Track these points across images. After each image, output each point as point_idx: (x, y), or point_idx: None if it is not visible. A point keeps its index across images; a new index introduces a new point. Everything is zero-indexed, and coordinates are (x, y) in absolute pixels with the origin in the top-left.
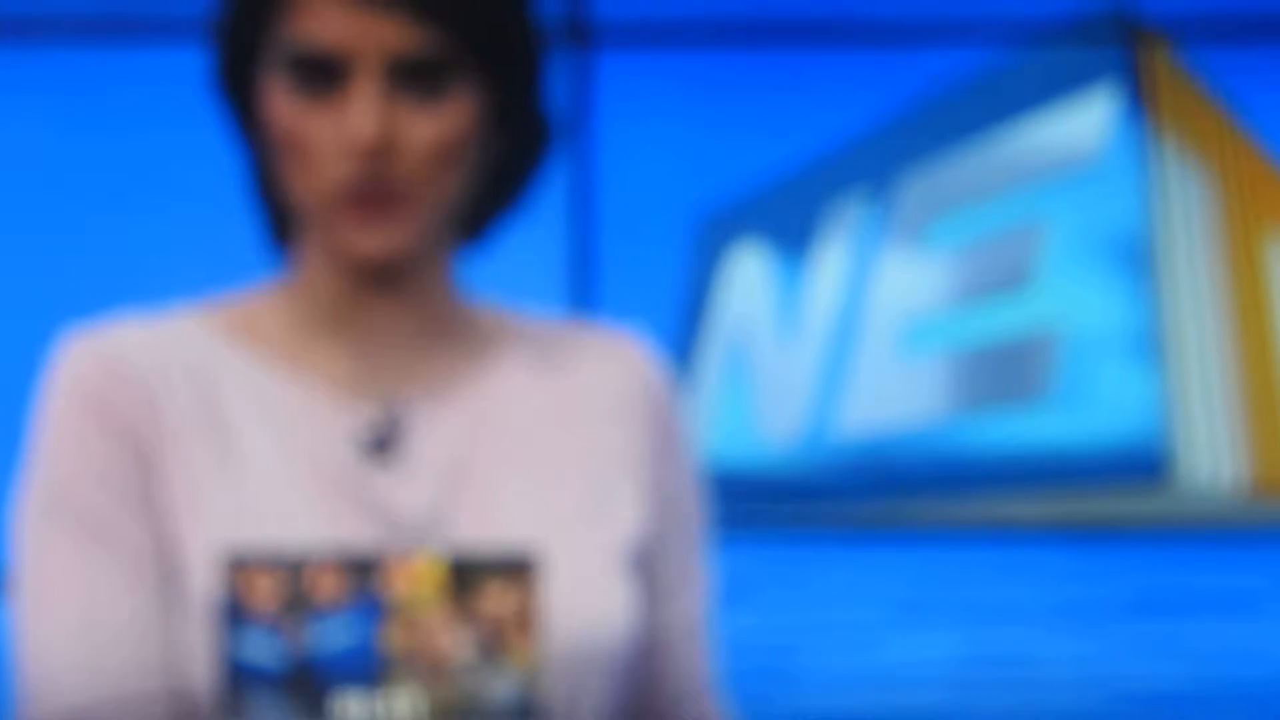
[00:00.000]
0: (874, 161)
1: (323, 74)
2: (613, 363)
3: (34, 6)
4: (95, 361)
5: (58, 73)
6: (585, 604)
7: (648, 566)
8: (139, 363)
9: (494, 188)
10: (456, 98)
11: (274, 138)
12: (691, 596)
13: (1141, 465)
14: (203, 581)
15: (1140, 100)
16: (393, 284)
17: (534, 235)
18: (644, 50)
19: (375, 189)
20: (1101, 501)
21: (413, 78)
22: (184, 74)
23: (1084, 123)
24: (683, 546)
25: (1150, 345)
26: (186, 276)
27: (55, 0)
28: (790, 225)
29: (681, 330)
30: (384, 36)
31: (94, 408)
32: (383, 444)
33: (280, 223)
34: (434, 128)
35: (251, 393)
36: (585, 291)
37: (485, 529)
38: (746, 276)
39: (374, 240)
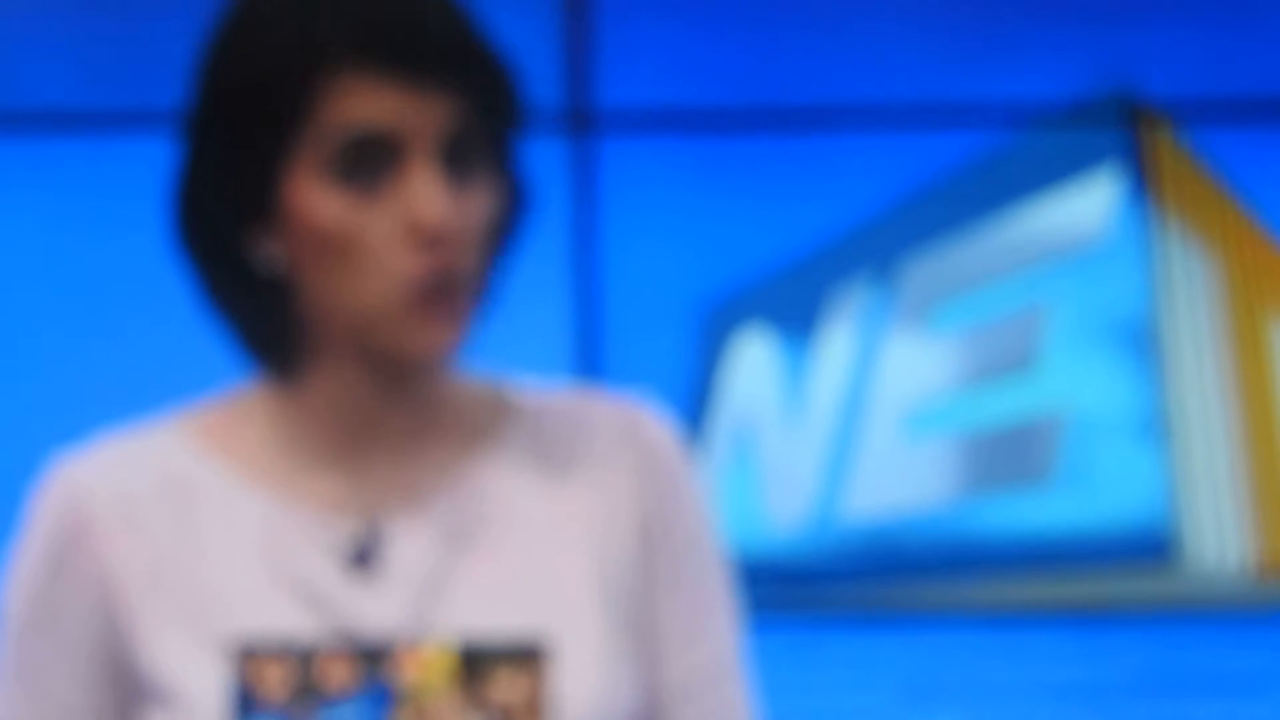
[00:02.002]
0: (878, 246)
1: (371, 162)
2: (618, 436)
3: (28, 99)
4: (66, 499)
5: (46, 166)
6: (592, 687)
7: (651, 626)
8: (112, 494)
9: (485, 263)
10: (482, 175)
11: (313, 241)
12: (708, 650)
13: (1148, 546)
14: (198, 692)
15: (1143, 182)
16: (413, 387)
17: (540, 323)
18: (648, 137)
19: (443, 282)
20: (1108, 583)
21: (455, 161)
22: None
23: (1087, 205)
24: (692, 601)
25: (1156, 427)
26: (172, 376)
27: (48, 92)
28: (795, 310)
29: (688, 416)
30: (435, 114)
31: (58, 552)
32: (363, 557)
33: (261, 338)
34: (476, 209)
35: (229, 511)
36: (591, 379)
37: (477, 621)
38: (752, 362)
39: (442, 337)
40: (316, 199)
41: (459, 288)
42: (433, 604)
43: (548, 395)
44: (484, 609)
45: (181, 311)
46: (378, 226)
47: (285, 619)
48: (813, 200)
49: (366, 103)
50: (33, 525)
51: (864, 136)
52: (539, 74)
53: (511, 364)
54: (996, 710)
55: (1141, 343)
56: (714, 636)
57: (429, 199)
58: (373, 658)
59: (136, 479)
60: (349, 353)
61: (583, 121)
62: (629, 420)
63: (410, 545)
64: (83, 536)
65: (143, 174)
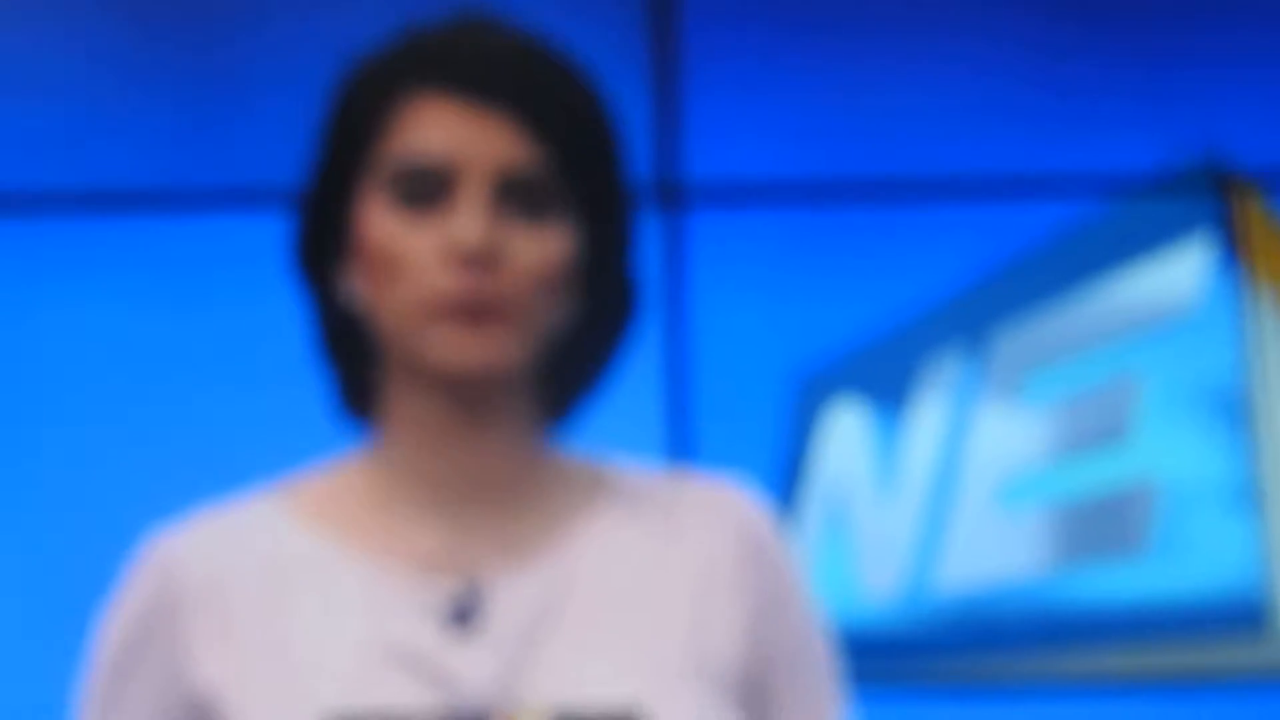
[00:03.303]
0: (969, 317)
1: (428, 188)
2: (714, 513)
3: (100, 179)
4: (158, 574)
5: (125, 245)
6: None
7: (763, 711)
8: (205, 569)
9: (580, 352)
10: (555, 225)
11: (370, 257)
12: None
13: (1242, 616)
14: None
15: (1234, 250)
16: (483, 419)
17: (630, 400)
18: (737, 209)
19: (477, 301)
20: (1202, 653)
21: (517, 198)
22: (254, 244)
23: (1178, 275)
24: (804, 698)
25: (1249, 496)
26: (269, 451)
27: (110, 173)
28: (887, 382)
29: (780, 490)
30: (493, 148)
31: (145, 625)
32: (463, 615)
33: (359, 383)
34: (536, 249)
35: (324, 580)
36: (682, 454)
37: (569, 691)
38: (844, 434)
39: (472, 351)
40: (376, 220)
41: (495, 308)
42: (532, 665)
43: (645, 472)
44: (581, 675)
45: (281, 388)
46: (423, 246)
47: (383, 681)
48: (904, 272)
49: (427, 133)
50: (121, 599)
51: (954, 208)
52: (628, 146)
53: (603, 440)
54: None
55: (1233, 412)
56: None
57: (468, 223)
58: None
59: (232, 553)
60: (411, 378)
61: (671, 195)
62: (727, 500)
63: (510, 605)
64: (173, 611)
65: (234, 250)
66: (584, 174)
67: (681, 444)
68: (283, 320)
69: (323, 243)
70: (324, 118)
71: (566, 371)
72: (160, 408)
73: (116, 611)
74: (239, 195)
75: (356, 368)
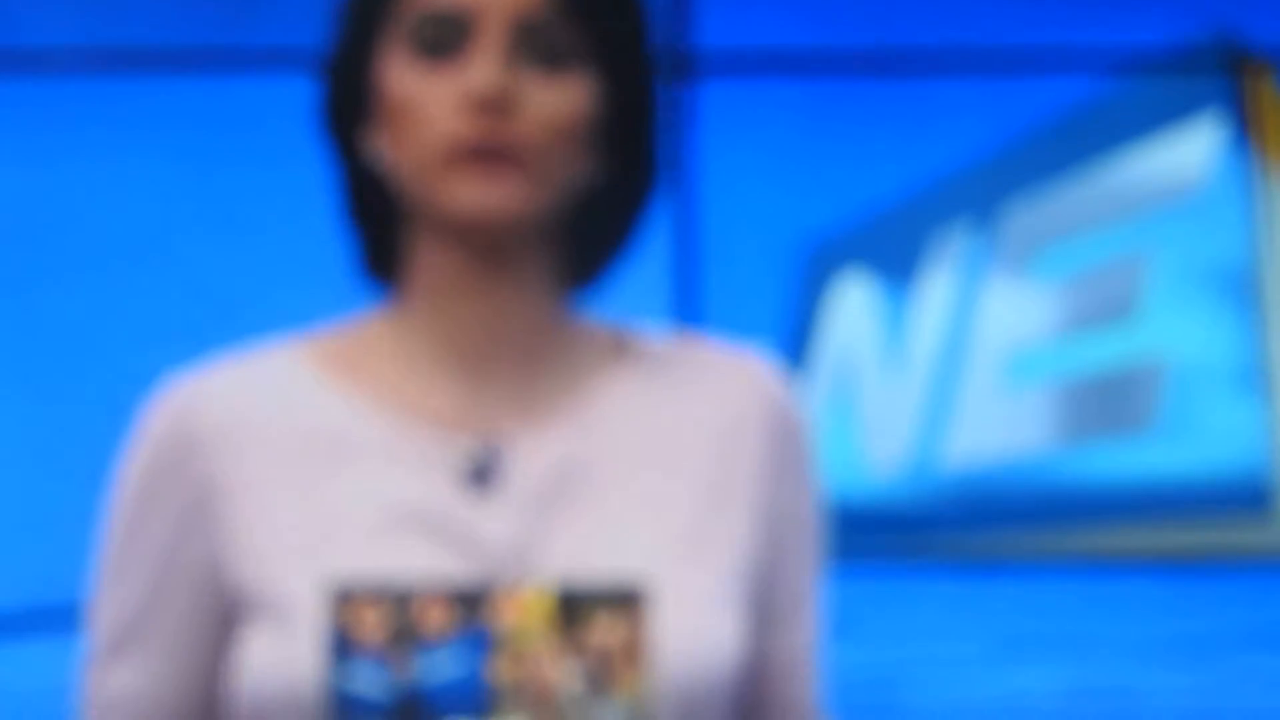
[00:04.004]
0: (980, 191)
1: (446, 38)
2: (733, 382)
3: (131, 37)
4: (174, 417)
5: (153, 104)
6: (693, 634)
7: (759, 593)
8: (215, 417)
9: (601, 214)
10: (574, 77)
11: (390, 107)
12: (804, 625)
13: (1247, 495)
14: (308, 618)
15: (1245, 129)
16: (501, 270)
17: (638, 268)
18: (748, 79)
19: (493, 146)
20: (1207, 533)
21: (535, 47)
22: (280, 104)
23: (1189, 152)
24: (798, 573)
25: (1256, 376)
26: (293, 305)
27: (151, 30)
28: (896, 254)
29: (787, 361)
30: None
31: (161, 464)
32: (481, 475)
33: (383, 244)
34: (553, 98)
35: (344, 429)
36: (690, 322)
37: (583, 558)
38: (852, 307)
39: (488, 196)
40: (395, 72)
41: (511, 155)
42: (545, 531)
43: (666, 339)
44: (591, 544)
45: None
46: (440, 94)
47: (398, 543)
48: (914, 144)
49: None
50: (139, 440)
51: (966, 81)
52: None
53: (611, 308)
54: (1094, 660)
55: (1242, 291)
56: (815, 615)
57: (484, 70)
58: (471, 601)
59: (251, 399)
60: (431, 234)
61: (682, 63)
62: (752, 369)
63: (528, 467)
64: (190, 451)
65: (265, 110)
66: (604, 25)
67: (690, 313)
68: (310, 181)
69: (347, 104)
70: None
71: (588, 234)
72: (184, 263)
73: (134, 452)
74: (271, 56)
75: (380, 229)
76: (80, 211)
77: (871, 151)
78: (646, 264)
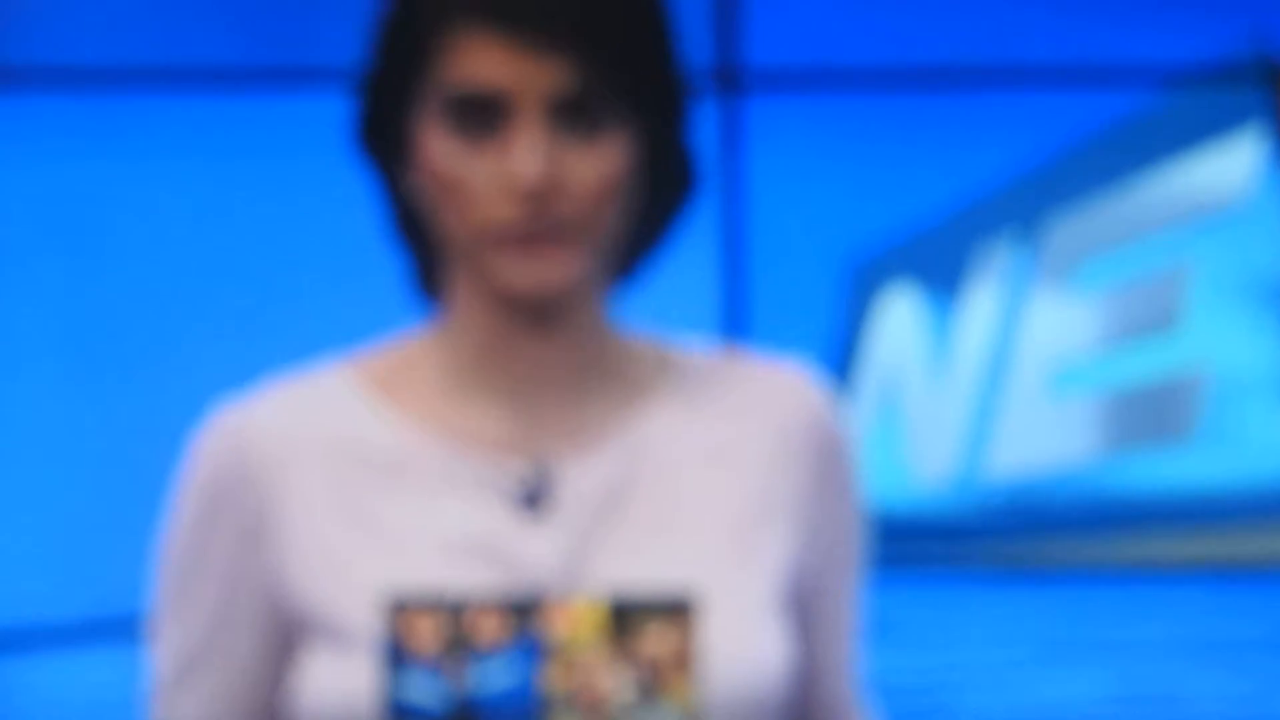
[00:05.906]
0: (1024, 205)
1: (482, 116)
2: (777, 396)
3: (173, 57)
4: (226, 445)
5: (199, 122)
6: (742, 643)
7: (803, 604)
8: (268, 443)
9: (642, 229)
10: (611, 138)
11: (430, 179)
12: (846, 636)
13: None
14: (364, 636)
15: None
16: (548, 322)
17: (686, 283)
18: (795, 95)
19: (538, 230)
20: (1249, 540)
21: (571, 118)
22: (326, 122)
23: (1231, 165)
24: (842, 584)
25: None
26: (341, 325)
27: (192, 50)
28: (941, 268)
29: (833, 374)
30: (546, 77)
31: (214, 495)
32: (533, 499)
33: (428, 267)
34: (593, 167)
35: (395, 453)
36: (737, 336)
37: (633, 571)
38: (898, 319)
39: (535, 276)
40: (434, 145)
41: (559, 234)
42: (596, 549)
43: (711, 354)
44: (642, 560)
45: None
46: (483, 176)
47: (451, 563)
48: (959, 159)
49: (479, 64)
50: (190, 471)
51: (1010, 96)
52: (686, 34)
53: (659, 321)
54: (1137, 665)
55: None
56: (848, 628)
57: (526, 159)
58: (523, 611)
59: (302, 425)
60: (475, 281)
61: (730, 80)
62: (795, 384)
63: (578, 488)
64: (243, 482)
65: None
66: (636, 86)
67: (737, 326)
68: (357, 199)
69: (384, 145)
70: (374, 40)
71: (634, 244)
72: (238, 281)
73: (189, 480)
74: (319, 75)
75: (425, 251)
76: (136, 230)
77: (917, 166)
78: (695, 277)
